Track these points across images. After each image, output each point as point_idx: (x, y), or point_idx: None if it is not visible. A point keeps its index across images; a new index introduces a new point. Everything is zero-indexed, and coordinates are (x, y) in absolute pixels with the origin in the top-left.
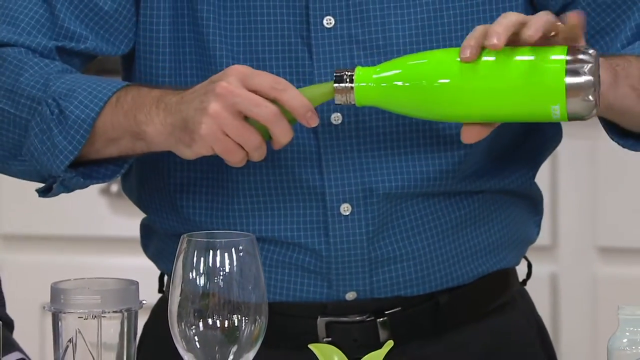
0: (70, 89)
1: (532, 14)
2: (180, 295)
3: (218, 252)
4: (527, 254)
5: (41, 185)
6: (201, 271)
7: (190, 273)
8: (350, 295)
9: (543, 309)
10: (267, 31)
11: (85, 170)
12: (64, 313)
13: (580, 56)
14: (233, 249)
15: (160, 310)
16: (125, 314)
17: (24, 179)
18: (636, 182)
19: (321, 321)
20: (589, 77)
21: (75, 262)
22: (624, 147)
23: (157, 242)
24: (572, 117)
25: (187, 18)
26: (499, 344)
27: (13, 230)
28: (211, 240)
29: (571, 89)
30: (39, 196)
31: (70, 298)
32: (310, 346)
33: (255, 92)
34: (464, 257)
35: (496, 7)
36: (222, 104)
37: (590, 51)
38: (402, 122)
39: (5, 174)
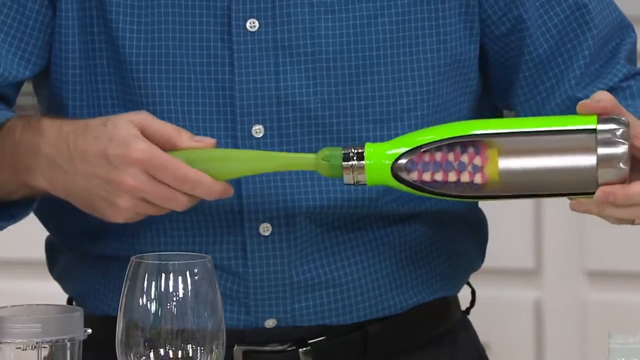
0: None
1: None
2: (129, 323)
3: (171, 275)
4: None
5: None
6: (152, 296)
7: (140, 299)
8: (270, 323)
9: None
10: (185, 33)
11: None
12: (1, 343)
13: (612, 125)
14: (187, 272)
15: None
16: (68, 343)
17: None
18: None
19: (238, 350)
20: (622, 147)
21: (12, 288)
22: None
23: (63, 261)
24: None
25: (97, 19)
26: None
27: None
28: (163, 262)
29: (603, 160)
30: None
31: (7, 327)
32: None
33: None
34: (397, 285)
35: (434, 16)
36: (132, 197)
37: (623, 119)
38: (330, 136)
39: None
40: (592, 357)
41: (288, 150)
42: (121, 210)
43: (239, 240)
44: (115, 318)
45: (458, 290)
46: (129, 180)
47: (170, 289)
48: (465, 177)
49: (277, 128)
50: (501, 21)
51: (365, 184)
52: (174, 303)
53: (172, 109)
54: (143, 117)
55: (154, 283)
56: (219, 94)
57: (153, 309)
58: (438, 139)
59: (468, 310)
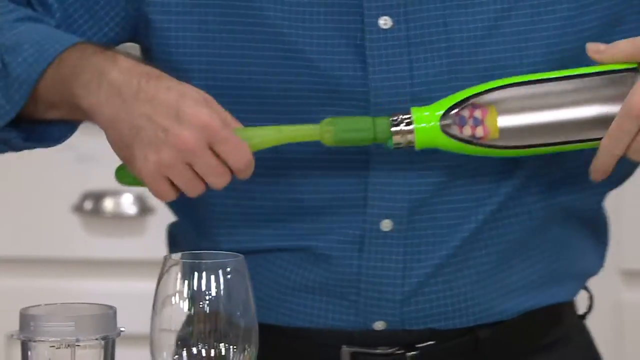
0: (18, 42)
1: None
2: (162, 321)
3: (204, 274)
4: None
5: None
6: (185, 295)
7: (173, 297)
8: (379, 325)
9: None
10: (316, 31)
11: (30, 129)
12: (35, 342)
13: None
14: (220, 271)
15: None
16: (102, 342)
17: None
18: None
19: (346, 351)
20: None
21: (46, 286)
22: None
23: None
24: None
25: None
26: None
27: None
28: (196, 261)
29: None
30: None
31: (41, 325)
32: None
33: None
34: (510, 290)
35: (572, 14)
36: (179, 159)
37: None
38: None
39: None
40: (628, 358)
41: (419, 152)
42: (155, 164)
43: (357, 234)
44: None
45: (574, 296)
46: (190, 139)
47: (203, 288)
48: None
49: None
50: None
51: (413, 146)
52: (207, 302)
53: (303, 110)
54: (209, 95)
55: (186, 282)
56: (350, 90)
57: (185, 307)
58: (480, 90)
59: (585, 315)
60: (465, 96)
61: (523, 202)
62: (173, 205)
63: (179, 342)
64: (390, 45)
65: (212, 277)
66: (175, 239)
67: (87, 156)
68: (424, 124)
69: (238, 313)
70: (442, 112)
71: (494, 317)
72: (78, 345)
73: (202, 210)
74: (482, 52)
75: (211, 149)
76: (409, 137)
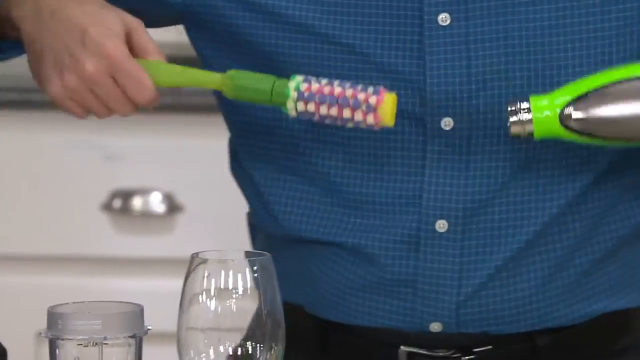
0: None
1: None
2: (189, 320)
3: (231, 272)
4: None
5: None
6: (212, 293)
7: (200, 295)
8: (435, 327)
9: None
10: (375, 25)
11: None
12: (62, 340)
13: None
14: (247, 269)
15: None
16: (130, 340)
17: None
18: None
19: (403, 351)
20: None
21: (74, 285)
22: None
23: (259, 239)
24: None
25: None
26: None
27: (5, 250)
28: (223, 259)
29: None
30: None
31: (69, 323)
32: None
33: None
34: (571, 295)
35: (637, 13)
36: (81, 84)
37: None
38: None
39: None
40: None
41: (477, 144)
42: (60, 87)
43: (413, 234)
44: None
45: None
46: (91, 68)
47: (230, 286)
48: None
49: (467, 121)
50: None
51: (532, 137)
52: (234, 300)
53: None
54: (137, 24)
55: (213, 280)
56: (407, 86)
57: (213, 306)
58: (603, 83)
59: None
60: (592, 87)
61: (589, 207)
62: (244, 192)
63: (206, 341)
64: (449, 41)
65: (239, 275)
66: (254, 227)
67: (116, 155)
68: (542, 113)
69: (265, 311)
70: (563, 100)
71: (553, 322)
72: (106, 344)
73: (265, 198)
74: (540, 50)
75: (114, 79)
76: (528, 127)
